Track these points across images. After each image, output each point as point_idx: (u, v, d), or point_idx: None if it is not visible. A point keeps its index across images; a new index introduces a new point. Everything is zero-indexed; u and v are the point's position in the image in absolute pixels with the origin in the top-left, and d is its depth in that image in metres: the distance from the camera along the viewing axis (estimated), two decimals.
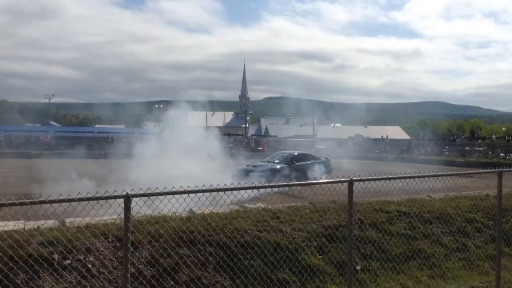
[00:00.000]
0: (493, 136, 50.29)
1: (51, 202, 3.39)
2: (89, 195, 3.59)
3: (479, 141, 41.94)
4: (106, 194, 3.66)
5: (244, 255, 6.18)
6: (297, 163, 21.19)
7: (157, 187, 3.77)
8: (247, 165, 21.75)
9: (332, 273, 6.30)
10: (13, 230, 5.65)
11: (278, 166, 20.81)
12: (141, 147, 22.72)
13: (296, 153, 23.10)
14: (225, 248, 6.14)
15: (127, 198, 3.68)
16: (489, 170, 6.15)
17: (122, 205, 3.71)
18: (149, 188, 3.72)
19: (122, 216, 3.77)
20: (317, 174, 19.96)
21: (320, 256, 6.66)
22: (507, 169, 6.01)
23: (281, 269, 6.08)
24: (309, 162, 21.81)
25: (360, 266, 6.64)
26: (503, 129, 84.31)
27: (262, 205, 8.37)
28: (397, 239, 7.43)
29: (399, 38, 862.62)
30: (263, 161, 22.64)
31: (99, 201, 3.67)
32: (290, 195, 11.69)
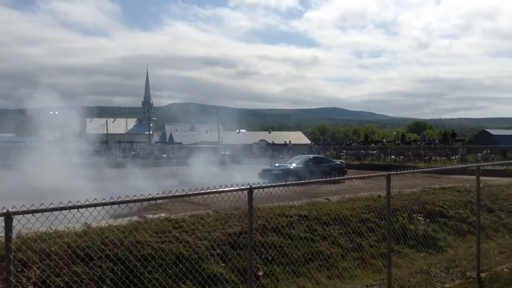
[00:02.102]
0: (384, 140, 53.99)
1: None
2: None
3: (372, 145, 44.82)
4: None
5: (144, 268, 5.95)
6: (312, 165, 23.25)
7: (42, 203, 3.48)
8: (270, 165, 24.37)
9: (235, 281, 6.28)
10: None
11: (292, 167, 22.96)
12: (25, 157, 21.70)
13: (311, 157, 26.00)
14: (122, 262, 5.86)
15: (8, 216, 3.36)
16: (378, 174, 6.55)
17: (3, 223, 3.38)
18: (33, 204, 3.43)
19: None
20: (331, 175, 21.70)
21: (223, 264, 6.62)
22: (395, 172, 6.43)
23: (182, 281, 5.95)
24: (324, 164, 24.07)
25: (262, 272, 6.70)
26: (394, 133, 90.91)
27: (163, 215, 8.15)
28: (297, 242, 7.62)
29: (298, 46, 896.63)
30: (284, 163, 24.94)
31: None
32: (194, 203, 11.55)
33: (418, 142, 42.74)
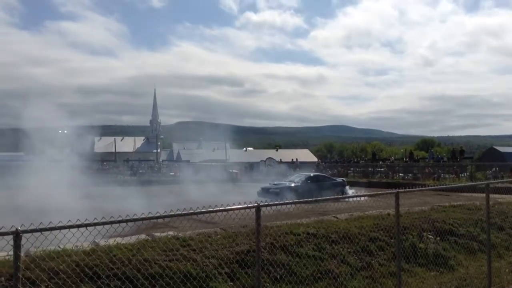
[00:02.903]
0: (392, 157, 53.74)
1: None
2: None
3: (380, 163, 44.63)
4: None
5: (152, 287, 5.92)
6: (311, 183, 23.17)
7: (50, 221, 3.50)
8: (269, 183, 23.99)
9: None
10: None
11: (293, 185, 22.76)
12: (30, 176, 22.18)
13: (312, 174, 25.56)
14: (130, 281, 5.84)
15: (17, 235, 3.36)
16: (387, 192, 6.50)
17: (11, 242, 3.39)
18: (41, 222, 3.44)
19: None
20: (331, 193, 21.66)
21: (231, 283, 6.57)
22: (403, 190, 6.39)
23: None
24: (324, 182, 23.89)
25: None
26: (402, 150, 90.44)
27: (171, 233, 8.14)
28: (306, 260, 7.55)
29: (305, 64, 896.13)
30: (283, 181, 24.77)
31: None
32: (201, 221, 11.52)
33: (427, 160, 42.50)
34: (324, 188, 22.51)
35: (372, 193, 8.31)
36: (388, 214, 10.49)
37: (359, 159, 56.98)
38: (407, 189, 6.74)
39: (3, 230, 3.36)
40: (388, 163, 42.99)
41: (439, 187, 11.04)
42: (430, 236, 9.53)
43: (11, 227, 3.39)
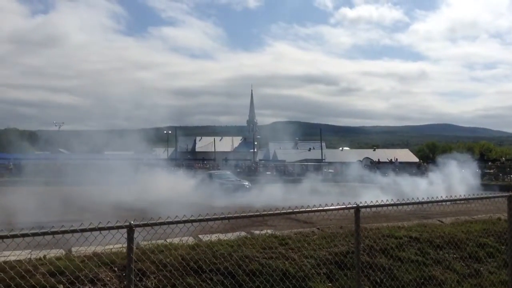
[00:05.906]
0: (502, 158, 49.72)
1: (53, 233, 3.38)
2: (91, 226, 3.58)
3: (489, 164, 41.58)
4: (109, 225, 3.64)
5: (252, 283, 6.07)
6: None
7: (160, 217, 3.75)
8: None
9: None
10: (19, 260, 5.60)
11: None
12: (139, 174, 23.94)
13: None
14: (232, 276, 6.04)
15: (130, 228, 3.66)
16: (498, 195, 6.07)
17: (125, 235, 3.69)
18: (151, 217, 3.70)
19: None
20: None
21: (330, 284, 6.53)
22: None
23: None
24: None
25: None
26: None
27: (269, 231, 8.28)
28: (408, 265, 7.27)
29: (404, 60, 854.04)
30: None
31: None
32: (299, 221, 11.58)
33: None
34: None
35: (480, 196, 7.75)
36: (499, 219, 9.75)
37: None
38: None
39: (118, 224, 3.67)
40: (498, 164, 39.88)
41: None
42: None
43: (125, 221, 3.69)
